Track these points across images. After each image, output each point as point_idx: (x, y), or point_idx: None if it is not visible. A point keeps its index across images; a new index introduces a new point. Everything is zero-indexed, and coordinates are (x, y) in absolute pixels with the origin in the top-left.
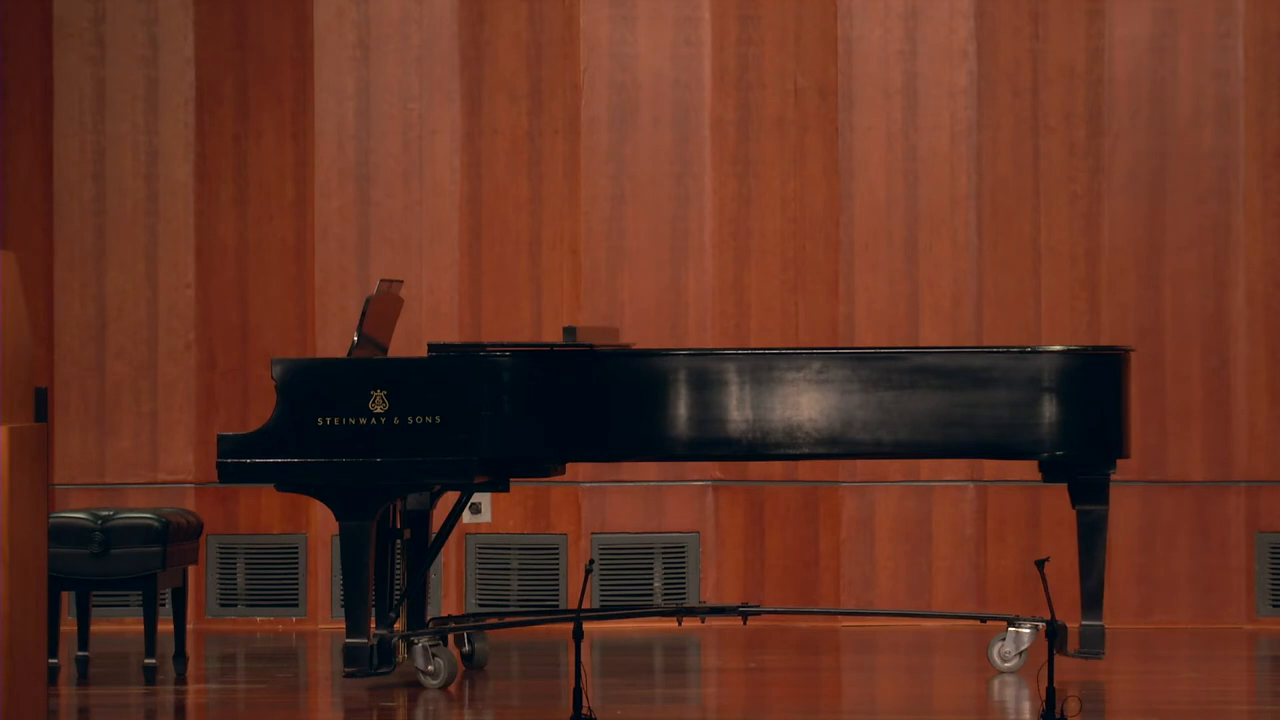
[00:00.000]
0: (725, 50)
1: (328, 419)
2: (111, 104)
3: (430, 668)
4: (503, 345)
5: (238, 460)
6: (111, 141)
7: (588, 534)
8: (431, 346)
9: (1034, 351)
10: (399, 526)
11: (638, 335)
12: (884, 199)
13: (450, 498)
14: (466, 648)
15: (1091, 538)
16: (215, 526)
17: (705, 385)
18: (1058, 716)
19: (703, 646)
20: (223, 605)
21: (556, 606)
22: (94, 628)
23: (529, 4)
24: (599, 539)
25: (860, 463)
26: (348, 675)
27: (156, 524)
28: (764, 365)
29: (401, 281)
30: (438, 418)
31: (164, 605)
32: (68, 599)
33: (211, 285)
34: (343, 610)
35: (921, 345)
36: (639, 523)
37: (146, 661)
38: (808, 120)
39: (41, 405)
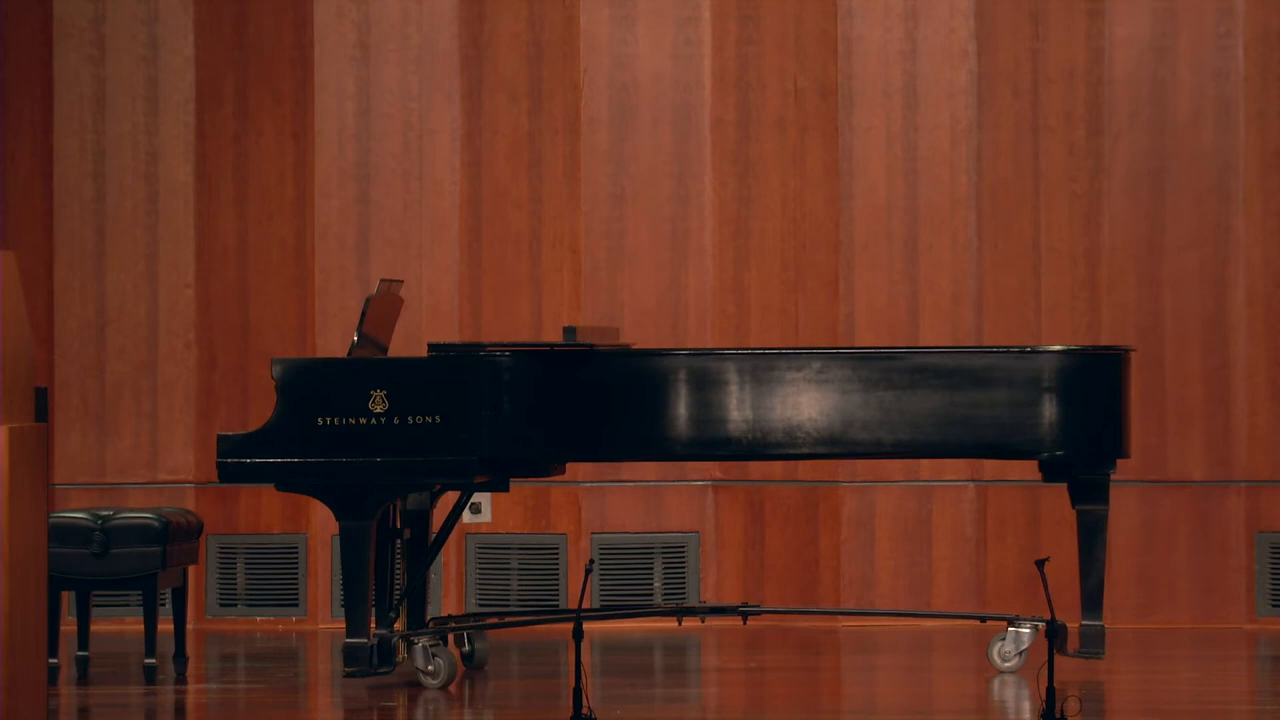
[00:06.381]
0: (725, 50)
1: (328, 419)
2: (111, 104)
3: (430, 668)
4: (503, 345)
5: (238, 460)
6: (111, 141)
7: (588, 534)
8: (431, 346)
9: (1034, 351)
10: (399, 526)
11: (638, 335)
12: (884, 199)
13: (450, 498)
14: (466, 648)
15: (1091, 538)
16: (215, 526)
17: (705, 385)
18: (1058, 716)
19: (703, 646)
20: (223, 605)
21: (556, 606)
22: (94, 628)
23: (529, 4)
24: (599, 539)
25: (860, 463)
26: (348, 675)
27: (156, 524)
28: (764, 365)
29: (401, 281)
30: (438, 418)
31: (164, 605)
32: (68, 599)
33: (211, 285)
34: (343, 610)
35: (921, 345)
36: (639, 523)
37: (146, 661)
38: (808, 120)
39: (41, 405)
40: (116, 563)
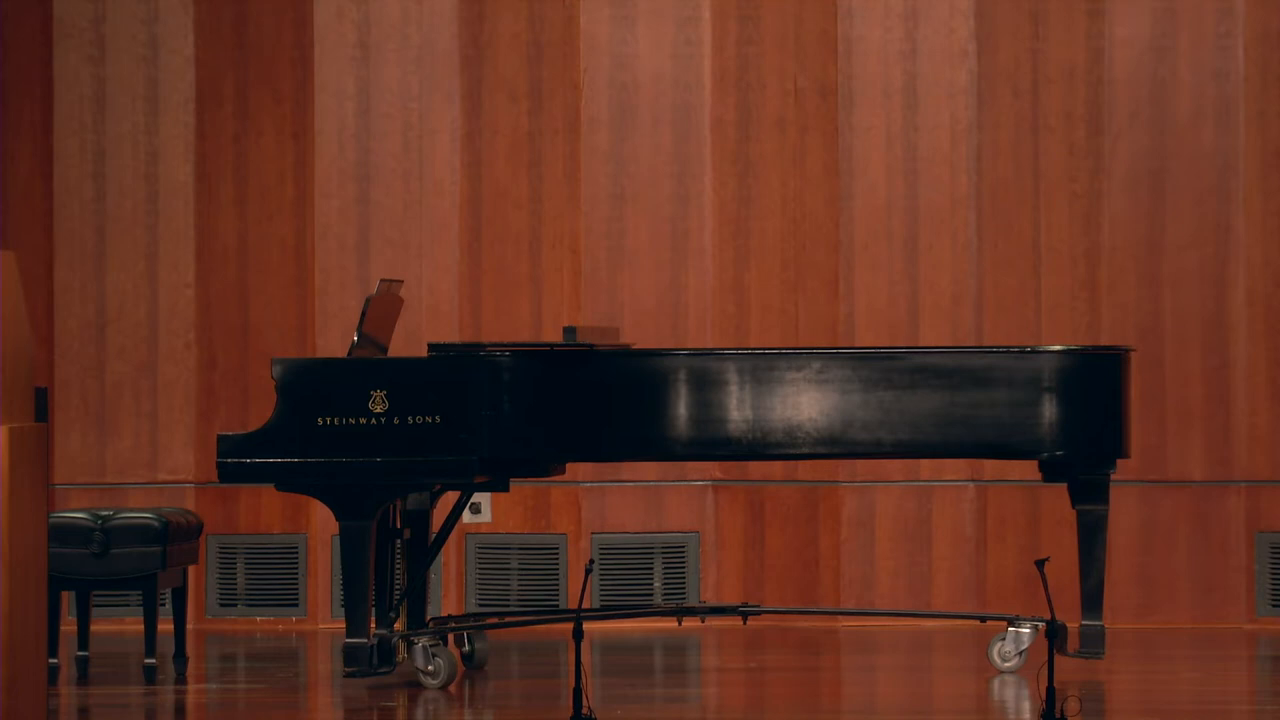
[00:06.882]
0: (725, 50)
1: (328, 419)
2: (111, 104)
3: (430, 668)
4: (503, 345)
5: (238, 460)
6: (111, 141)
7: (588, 534)
8: (431, 346)
9: (1034, 351)
10: (399, 526)
11: (638, 335)
12: (884, 199)
13: (450, 498)
14: (466, 648)
15: (1091, 538)
16: (215, 526)
17: (705, 385)
18: (1058, 716)
19: (703, 646)
20: (223, 605)
21: (556, 606)
22: (94, 628)
23: (529, 4)
24: (599, 539)
25: (860, 463)
26: (348, 675)
27: (156, 524)
28: (764, 365)
29: (401, 281)
30: (438, 418)
31: (164, 605)
32: (68, 599)
33: (211, 285)
34: (343, 610)
35: (921, 345)
36: (639, 523)
37: (146, 661)
38: (808, 120)
39: (41, 405)
40: (116, 563)
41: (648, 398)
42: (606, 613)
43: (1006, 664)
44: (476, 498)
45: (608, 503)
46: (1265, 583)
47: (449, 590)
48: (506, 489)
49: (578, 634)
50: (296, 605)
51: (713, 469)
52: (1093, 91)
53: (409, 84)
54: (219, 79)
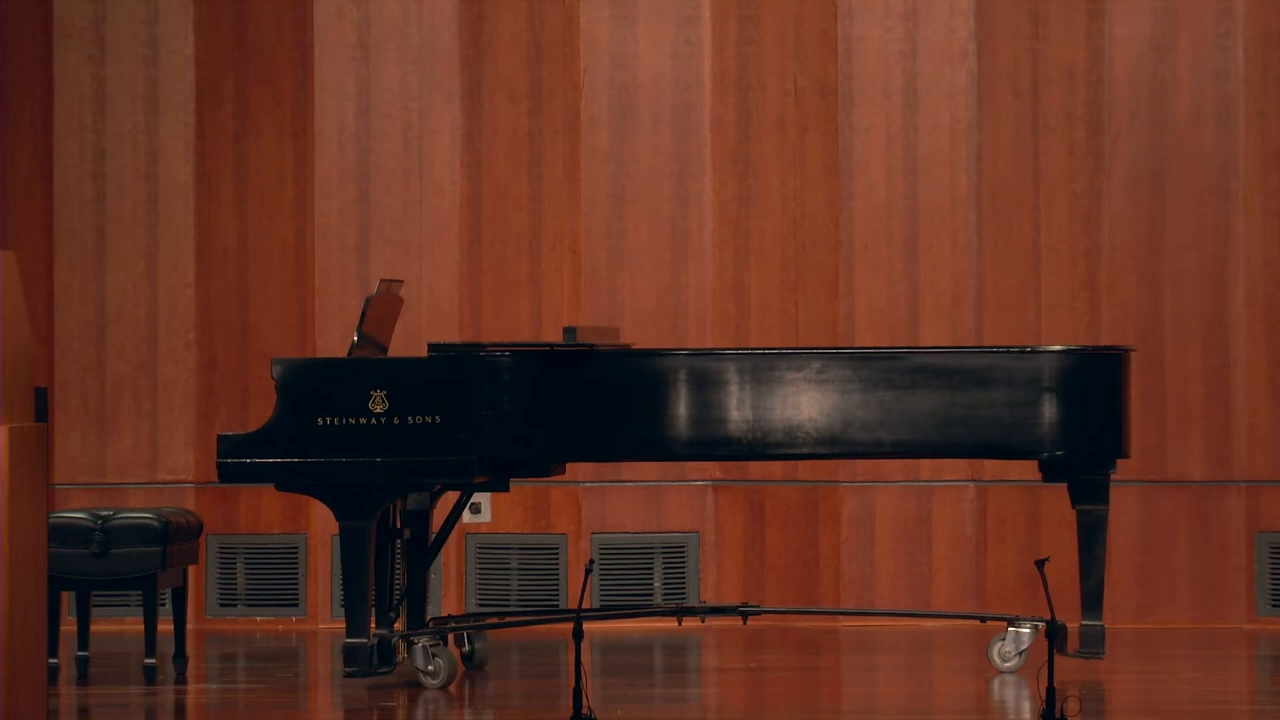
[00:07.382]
0: (725, 50)
1: (328, 419)
2: (111, 104)
3: (430, 668)
4: (503, 345)
5: (238, 460)
6: (111, 141)
7: (588, 534)
8: (431, 346)
9: (1034, 351)
10: (399, 526)
11: (638, 335)
12: (884, 199)
13: (450, 498)
14: (466, 648)
15: (1091, 538)
16: (215, 526)
17: (705, 385)
18: (1058, 716)
19: (703, 646)
20: (223, 605)
21: (556, 606)
22: (94, 628)
23: (529, 4)
24: (599, 539)
25: (860, 463)
26: (348, 675)
27: (156, 524)
28: (764, 365)
29: (401, 281)
30: (438, 418)
31: (164, 605)
32: (68, 599)
33: (211, 285)
34: (343, 610)
35: (921, 345)
36: (639, 523)
37: (146, 661)
38: (808, 120)
39: (41, 405)
40: (116, 563)
41: (648, 398)
42: (606, 613)
43: (1006, 664)
44: (476, 498)
45: (608, 503)
46: (1265, 583)
47: (449, 590)
48: (506, 489)
49: (578, 634)
50: (296, 605)
51: (713, 469)
52: (1093, 91)
53: (409, 84)
54: (219, 79)
